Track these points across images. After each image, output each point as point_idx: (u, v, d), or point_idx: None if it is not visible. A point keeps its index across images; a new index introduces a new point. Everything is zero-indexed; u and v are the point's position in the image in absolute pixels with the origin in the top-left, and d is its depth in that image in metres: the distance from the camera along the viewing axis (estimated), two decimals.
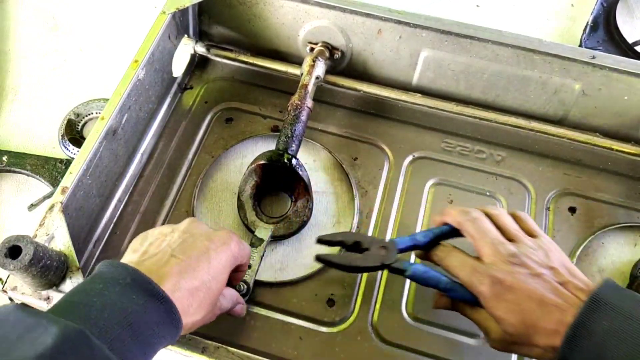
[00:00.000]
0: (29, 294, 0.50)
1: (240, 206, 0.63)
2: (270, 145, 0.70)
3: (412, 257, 0.62)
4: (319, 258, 0.55)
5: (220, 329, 0.56)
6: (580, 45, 0.85)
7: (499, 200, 0.67)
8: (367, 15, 0.66)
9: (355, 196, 0.66)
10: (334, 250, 0.61)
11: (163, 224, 0.64)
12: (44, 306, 0.49)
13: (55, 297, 0.50)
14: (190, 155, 0.69)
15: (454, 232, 0.54)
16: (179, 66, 0.73)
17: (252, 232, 0.61)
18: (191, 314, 0.44)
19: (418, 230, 0.65)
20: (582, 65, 0.64)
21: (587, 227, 0.66)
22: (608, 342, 0.41)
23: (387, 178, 0.68)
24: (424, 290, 0.55)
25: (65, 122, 0.75)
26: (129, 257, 0.47)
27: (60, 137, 0.73)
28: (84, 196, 0.57)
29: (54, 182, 0.69)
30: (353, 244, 0.55)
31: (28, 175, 0.71)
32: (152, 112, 0.69)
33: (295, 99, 0.65)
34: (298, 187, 0.62)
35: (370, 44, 0.70)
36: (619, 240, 0.66)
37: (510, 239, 0.50)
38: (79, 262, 0.52)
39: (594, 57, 0.64)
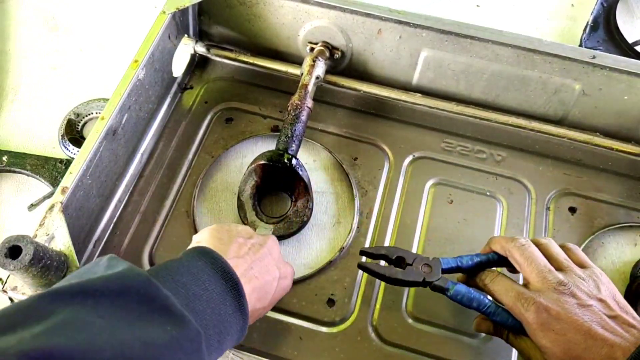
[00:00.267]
0: (29, 294, 0.50)
1: (240, 206, 0.63)
2: (270, 145, 0.70)
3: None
4: (360, 266, 0.55)
5: None
6: (580, 45, 0.85)
7: (499, 200, 0.67)
8: (367, 15, 0.66)
9: (355, 196, 0.66)
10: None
11: (163, 224, 0.64)
12: None
13: None
14: (190, 155, 0.69)
15: (500, 260, 0.54)
16: (179, 66, 0.73)
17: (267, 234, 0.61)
18: None
19: (418, 230, 0.65)
20: (582, 65, 0.64)
21: (587, 227, 0.66)
22: None
23: (387, 178, 0.68)
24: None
25: (65, 122, 0.75)
26: (216, 245, 0.48)
27: (60, 137, 0.73)
28: (84, 196, 0.57)
29: (54, 182, 0.69)
30: (396, 259, 0.54)
31: (28, 175, 0.71)
32: (152, 112, 0.69)
33: (295, 99, 0.65)
34: (298, 187, 0.62)
35: (371, 44, 0.70)
36: (619, 240, 0.66)
37: (559, 268, 0.49)
38: (79, 262, 0.52)
39: (594, 57, 0.64)
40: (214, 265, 0.43)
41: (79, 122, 0.76)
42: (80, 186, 0.56)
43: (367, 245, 0.63)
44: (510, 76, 0.68)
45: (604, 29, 0.86)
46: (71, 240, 0.51)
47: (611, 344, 0.43)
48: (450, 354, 0.57)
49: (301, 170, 0.61)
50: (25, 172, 0.71)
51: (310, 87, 0.66)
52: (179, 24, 0.70)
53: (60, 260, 0.49)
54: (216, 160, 0.69)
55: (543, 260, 0.50)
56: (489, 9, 0.93)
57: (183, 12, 0.69)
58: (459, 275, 0.57)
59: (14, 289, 0.50)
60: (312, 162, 0.70)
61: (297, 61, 0.72)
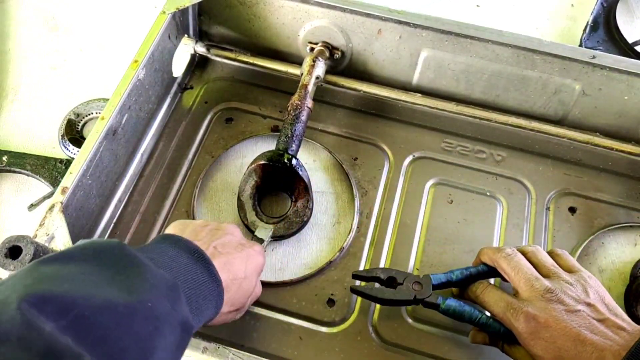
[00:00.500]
0: None
1: (240, 206, 0.63)
2: (270, 145, 0.70)
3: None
4: (353, 290, 0.56)
5: (220, 329, 0.56)
6: (580, 45, 0.85)
7: (499, 200, 0.67)
8: (367, 15, 0.66)
9: (355, 196, 0.66)
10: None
11: (163, 224, 0.64)
12: None
13: None
14: (190, 155, 0.69)
15: (490, 272, 0.54)
16: (179, 66, 0.73)
17: (252, 232, 0.61)
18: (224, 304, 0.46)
19: (418, 230, 0.65)
20: (582, 65, 0.64)
21: (587, 227, 0.66)
22: None
23: (387, 178, 0.68)
24: None
25: (65, 122, 0.75)
26: (176, 233, 0.49)
27: (60, 137, 0.73)
28: (84, 196, 0.57)
29: (54, 182, 0.69)
30: (387, 279, 0.55)
31: (28, 175, 0.71)
32: (152, 112, 0.69)
33: (295, 99, 0.65)
34: (298, 187, 0.62)
35: (371, 44, 0.70)
36: (619, 240, 0.66)
37: (546, 274, 0.50)
38: None
39: (594, 57, 0.64)
40: (178, 244, 0.44)
41: (79, 122, 0.76)
42: (80, 186, 0.56)
43: (366, 245, 0.63)
44: (510, 76, 0.68)
45: (604, 29, 0.86)
46: (71, 240, 0.51)
47: (601, 348, 0.43)
48: (450, 354, 0.57)
49: (301, 170, 0.61)
50: (25, 172, 0.71)
51: (310, 87, 0.66)
52: (179, 24, 0.70)
53: None
54: (216, 160, 0.69)
55: (530, 269, 0.50)
56: (489, 9, 0.93)
57: (183, 12, 0.69)
58: (455, 289, 0.58)
59: None
60: (312, 162, 0.70)
61: (297, 61, 0.72)
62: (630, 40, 0.84)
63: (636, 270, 0.63)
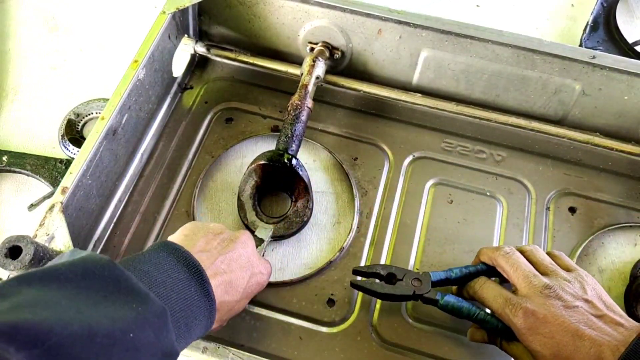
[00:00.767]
0: None
1: (240, 206, 0.63)
2: (270, 145, 0.70)
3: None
4: (353, 284, 0.56)
5: (221, 329, 0.56)
6: (580, 45, 0.85)
7: (499, 200, 0.67)
8: (367, 15, 0.66)
9: (355, 196, 0.66)
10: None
11: (163, 224, 0.64)
12: None
13: None
14: (190, 155, 0.69)
15: (489, 271, 0.55)
16: (179, 66, 0.73)
17: (252, 232, 0.61)
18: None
19: (418, 230, 0.65)
20: (582, 65, 0.64)
21: (587, 227, 0.66)
22: None
23: (387, 178, 0.68)
24: None
25: (65, 122, 0.75)
26: (182, 241, 0.48)
27: (60, 137, 0.73)
28: (84, 196, 0.57)
29: (54, 182, 0.69)
30: (387, 275, 0.56)
31: (28, 175, 0.71)
32: (152, 112, 0.69)
33: (295, 99, 0.65)
34: (298, 187, 0.62)
35: (370, 44, 0.70)
36: (619, 240, 0.66)
37: (544, 272, 0.50)
38: None
39: (594, 57, 0.64)
40: (176, 255, 0.44)
41: (79, 122, 0.76)
42: (80, 186, 0.56)
43: (366, 245, 0.63)
44: (510, 76, 0.68)
45: (604, 29, 0.86)
46: (71, 240, 0.51)
47: (599, 344, 0.43)
48: (450, 354, 0.57)
49: (301, 170, 0.61)
50: (25, 172, 0.71)
51: (310, 87, 0.66)
52: (179, 24, 0.70)
53: None
54: (216, 160, 0.69)
55: (528, 266, 0.51)
56: (489, 9, 0.93)
57: (183, 12, 0.69)
58: (454, 288, 0.58)
59: None
60: (312, 162, 0.70)
61: (297, 61, 0.72)
62: (630, 40, 0.84)
63: (636, 270, 0.63)
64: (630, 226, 0.66)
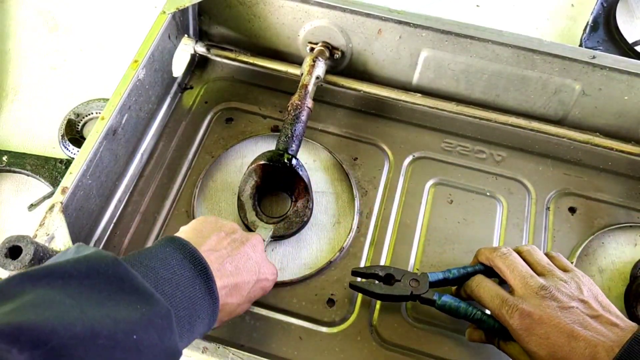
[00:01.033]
0: None
1: (240, 206, 0.63)
2: (270, 145, 0.70)
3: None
4: (352, 285, 0.56)
5: (220, 329, 0.56)
6: (580, 45, 0.85)
7: (499, 200, 0.67)
8: (367, 15, 0.66)
9: (355, 196, 0.66)
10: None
11: (163, 224, 0.64)
12: None
13: None
14: (190, 155, 0.69)
15: (487, 271, 0.55)
16: (179, 66, 0.73)
17: (252, 232, 0.61)
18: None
19: (418, 230, 0.65)
20: (582, 65, 0.64)
21: (587, 227, 0.66)
22: None
23: (387, 178, 0.68)
24: None
25: (65, 122, 0.75)
26: (193, 236, 0.48)
27: (60, 137, 0.73)
28: (84, 196, 0.57)
29: (54, 182, 0.69)
30: (386, 276, 0.56)
31: (28, 175, 0.71)
32: (152, 112, 0.69)
33: (295, 99, 0.65)
34: (298, 187, 0.62)
35: (370, 44, 0.70)
36: (619, 240, 0.66)
37: (541, 272, 0.51)
38: None
39: (594, 57, 0.64)
40: (183, 251, 0.43)
41: (79, 122, 0.76)
42: (80, 186, 0.56)
43: (366, 245, 0.63)
44: (510, 76, 0.68)
45: (604, 29, 0.86)
46: (71, 240, 0.51)
47: (594, 344, 0.44)
48: (450, 354, 0.57)
49: (301, 170, 0.61)
50: (25, 172, 0.71)
51: (310, 87, 0.66)
52: (179, 24, 0.70)
53: None
54: (216, 160, 0.69)
55: (524, 267, 0.51)
56: (489, 9, 0.93)
57: (183, 12, 0.69)
58: (453, 288, 0.59)
59: None
60: (312, 162, 0.70)
61: (297, 61, 0.72)
62: (630, 40, 0.84)
63: (636, 270, 0.63)
64: (630, 226, 0.66)
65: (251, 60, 0.74)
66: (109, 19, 0.88)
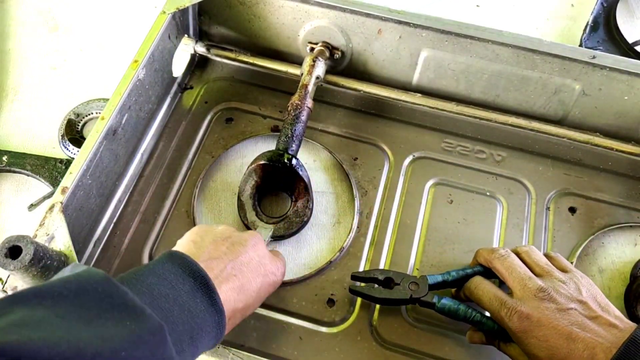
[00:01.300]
0: None
1: (240, 206, 0.63)
2: (270, 145, 0.70)
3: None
4: (352, 290, 0.56)
5: None
6: (580, 45, 0.85)
7: (499, 200, 0.67)
8: (367, 15, 0.66)
9: (355, 196, 0.66)
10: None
11: (163, 224, 0.64)
12: None
13: None
14: (190, 155, 0.69)
15: (486, 273, 0.55)
16: (179, 66, 0.73)
17: (249, 229, 0.61)
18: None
19: (418, 230, 0.65)
20: (582, 65, 0.64)
21: (587, 227, 0.66)
22: None
23: (387, 178, 0.68)
24: None
25: (65, 122, 0.75)
26: (190, 248, 0.48)
27: (60, 137, 0.73)
28: (84, 196, 0.57)
29: (54, 182, 0.69)
30: (385, 280, 0.56)
31: (28, 175, 0.71)
32: (152, 112, 0.69)
33: (295, 99, 0.65)
34: (298, 187, 0.62)
35: (370, 44, 0.70)
36: (619, 240, 0.66)
37: (539, 273, 0.51)
38: (79, 262, 0.52)
39: (594, 57, 0.64)
40: (182, 265, 0.43)
41: (79, 122, 0.76)
42: (80, 186, 0.56)
43: (366, 245, 0.63)
44: (510, 76, 0.68)
45: (604, 29, 0.86)
46: (71, 240, 0.51)
47: (592, 346, 0.44)
48: (450, 354, 0.57)
49: (301, 170, 0.61)
50: (25, 172, 0.71)
51: (310, 87, 0.66)
52: (179, 24, 0.70)
53: (60, 261, 0.49)
54: (216, 160, 0.69)
55: (523, 268, 0.51)
56: (489, 9, 0.93)
57: (183, 12, 0.69)
58: (453, 290, 0.59)
59: (14, 289, 0.50)
60: (312, 162, 0.70)
61: (297, 61, 0.72)
62: (630, 40, 0.84)
63: (636, 270, 0.63)
64: (630, 226, 0.66)
65: (251, 60, 0.74)
66: (109, 19, 0.88)
